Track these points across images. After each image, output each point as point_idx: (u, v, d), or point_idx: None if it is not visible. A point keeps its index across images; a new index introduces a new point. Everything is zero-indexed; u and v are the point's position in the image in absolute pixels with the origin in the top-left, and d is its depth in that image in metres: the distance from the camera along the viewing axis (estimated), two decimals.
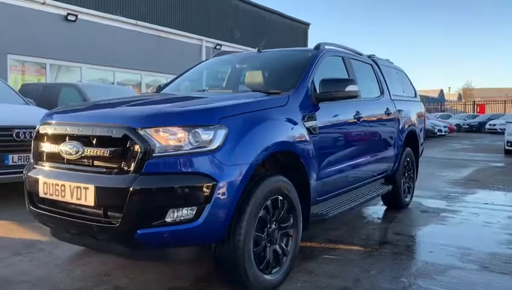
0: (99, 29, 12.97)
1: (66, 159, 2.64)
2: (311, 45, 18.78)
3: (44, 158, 2.79)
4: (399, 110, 5.11)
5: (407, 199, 5.50)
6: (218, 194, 2.42)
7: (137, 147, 2.40)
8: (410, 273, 3.23)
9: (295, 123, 3.07)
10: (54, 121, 2.86)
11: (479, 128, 29.80)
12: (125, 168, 2.42)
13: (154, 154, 2.39)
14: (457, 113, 38.87)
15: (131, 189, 2.34)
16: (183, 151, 2.43)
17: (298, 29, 22.75)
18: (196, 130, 2.46)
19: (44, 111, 6.33)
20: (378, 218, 5.00)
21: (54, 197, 2.63)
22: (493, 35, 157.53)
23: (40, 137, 2.87)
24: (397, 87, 5.54)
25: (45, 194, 2.68)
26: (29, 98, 8.59)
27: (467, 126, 30.76)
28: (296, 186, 3.09)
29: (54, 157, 2.72)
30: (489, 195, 6.55)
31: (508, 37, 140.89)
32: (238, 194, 2.52)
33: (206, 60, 4.52)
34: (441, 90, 62.91)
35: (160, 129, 2.44)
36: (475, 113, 37.90)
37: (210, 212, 2.41)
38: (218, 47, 17.10)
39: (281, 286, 2.91)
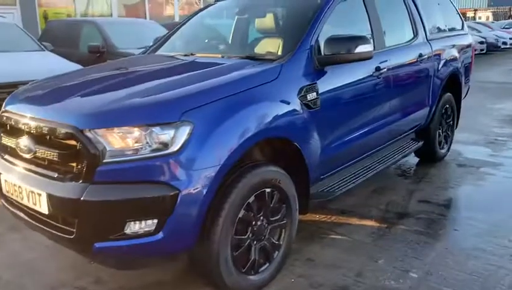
0: None
1: (23, 157, 2.37)
2: None
3: (6, 151, 2.55)
4: (437, 52, 4.37)
5: (444, 151, 4.92)
6: (182, 204, 2.08)
7: (86, 151, 2.08)
8: (425, 263, 2.84)
9: (287, 102, 2.58)
10: (11, 109, 2.55)
11: None
12: (77, 175, 2.13)
13: (105, 160, 2.06)
14: None
15: (81, 200, 2.05)
16: (138, 156, 2.07)
17: None
18: (152, 129, 2.07)
19: (58, 59, 6.13)
20: (406, 176, 4.52)
21: (14, 198, 2.42)
22: None
23: (1, 125, 2.60)
24: (438, 22, 4.73)
25: (7, 192, 2.47)
26: (53, 37, 8.42)
27: None
28: (292, 170, 2.71)
29: (13, 154, 2.46)
30: None
31: None
32: (207, 201, 2.17)
33: (207, 6, 3.94)
34: None
35: (111, 130, 2.08)
36: None
37: (173, 224, 2.10)
38: None
39: (271, 282, 2.65)
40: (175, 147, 2.08)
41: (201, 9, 3.96)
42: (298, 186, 2.77)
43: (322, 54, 2.85)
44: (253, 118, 2.36)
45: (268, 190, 2.50)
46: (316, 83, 2.80)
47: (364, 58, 2.88)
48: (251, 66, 2.67)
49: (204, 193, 2.13)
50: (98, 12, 12.00)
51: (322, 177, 3.06)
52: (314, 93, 2.77)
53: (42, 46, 6.37)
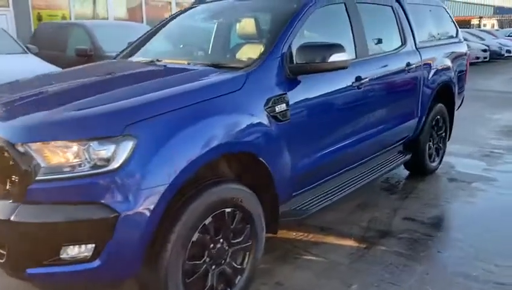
0: None
1: None
2: None
3: None
4: (427, 61, 4.16)
5: (434, 164, 4.70)
6: (122, 227, 1.88)
7: (17, 168, 1.88)
8: None
9: (252, 114, 2.38)
10: None
11: None
12: (7, 193, 1.93)
13: (38, 178, 1.86)
14: None
15: (10, 221, 1.86)
16: (75, 174, 1.87)
17: None
18: (90, 144, 1.88)
19: (38, 62, 5.98)
20: (393, 191, 4.29)
21: None
22: None
23: None
24: (429, 30, 4.52)
25: None
26: (43, 40, 8.28)
27: None
28: (260, 187, 2.51)
29: None
30: None
31: None
32: (152, 224, 1.96)
33: (181, 10, 3.75)
34: None
35: (46, 144, 1.88)
36: None
37: (113, 249, 1.90)
38: None
39: None
40: (115, 164, 1.88)
41: (175, 13, 3.77)
42: (266, 204, 2.57)
43: (295, 62, 2.65)
44: (209, 132, 2.15)
45: (228, 209, 2.30)
46: (286, 94, 2.60)
47: (339, 67, 2.67)
48: (214, 75, 2.47)
49: (149, 215, 1.93)
50: (94, 15, 11.86)
51: (294, 194, 2.86)
52: (284, 104, 2.57)
53: (25, 49, 6.21)
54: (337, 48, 2.64)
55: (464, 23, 30.68)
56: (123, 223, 1.87)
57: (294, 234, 3.34)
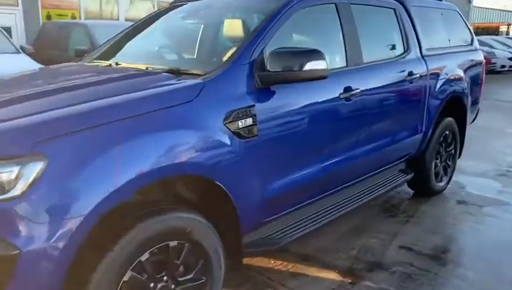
0: None
1: None
2: None
3: None
4: (434, 71, 3.74)
5: (441, 184, 4.25)
6: (26, 267, 1.55)
7: None
8: None
9: (205, 130, 2.02)
10: None
11: None
12: None
13: None
14: None
15: None
16: None
17: None
18: None
19: (28, 62, 5.77)
20: (393, 213, 3.87)
21: None
22: None
23: None
24: (439, 36, 4.09)
25: None
26: (47, 39, 8.13)
27: None
28: (219, 215, 2.16)
29: None
30: None
31: None
32: (65, 263, 1.63)
33: (157, 11, 3.42)
34: None
35: None
36: None
37: None
38: None
39: None
40: (17, 190, 1.55)
41: (151, 14, 3.45)
42: (230, 234, 2.22)
43: (267, 70, 2.28)
44: (145, 151, 1.80)
45: (173, 243, 1.95)
46: (253, 106, 2.23)
47: (317, 77, 2.30)
48: (165, 83, 2.12)
49: (61, 252, 1.59)
50: (105, 15, 11.72)
51: (266, 220, 2.49)
52: (250, 119, 2.21)
53: (18, 49, 6.02)
54: (315, 54, 2.26)
55: (491, 30, 29.68)
56: (27, 261, 1.55)
57: (272, 262, 2.97)
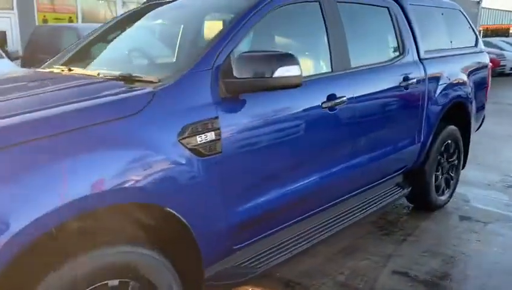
0: None
1: None
2: None
3: None
4: (434, 75, 3.42)
5: (443, 198, 3.92)
6: None
7: None
8: None
9: (153, 147, 1.72)
10: None
11: None
12: None
13: None
14: None
15: None
16: None
17: None
18: None
19: (9, 67, 5.57)
20: (389, 231, 3.53)
21: None
22: None
23: None
24: (440, 37, 3.77)
25: None
26: (38, 43, 7.97)
27: None
28: (176, 245, 1.88)
29: None
30: None
31: None
32: None
33: (128, 11, 3.14)
34: None
35: None
36: None
37: None
38: None
39: None
40: None
41: (120, 15, 3.17)
42: (191, 267, 1.93)
43: (235, 75, 1.98)
44: (73, 174, 1.50)
45: (114, 282, 1.65)
46: (217, 118, 1.94)
47: (289, 85, 1.99)
48: (107, 92, 1.82)
49: None
50: (103, 18, 11.51)
51: (235, 247, 2.19)
52: (212, 133, 1.91)
53: (1, 53, 5.80)
54: (286, 58, 1.96)
55: (501, 32, 29.11)
56: None
57: (250, 289, 2.66)
